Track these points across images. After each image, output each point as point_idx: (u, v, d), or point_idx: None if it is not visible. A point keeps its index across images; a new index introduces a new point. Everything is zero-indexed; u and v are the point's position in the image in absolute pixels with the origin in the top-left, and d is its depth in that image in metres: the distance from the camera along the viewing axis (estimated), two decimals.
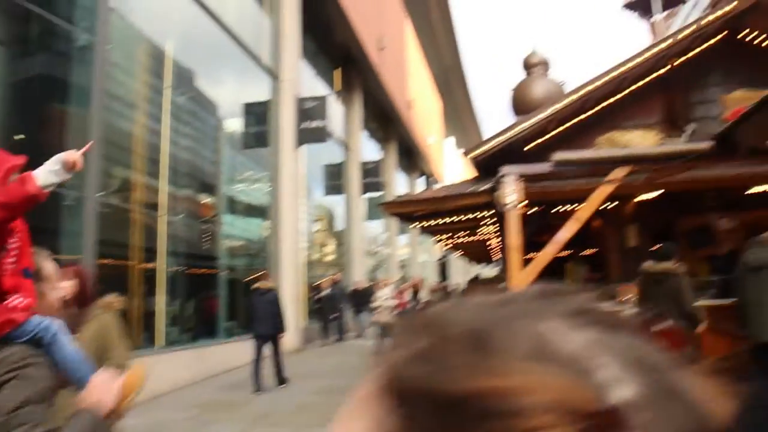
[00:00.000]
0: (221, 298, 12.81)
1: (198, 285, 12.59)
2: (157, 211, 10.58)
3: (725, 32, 9.60)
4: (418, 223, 9.65)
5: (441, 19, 33.84)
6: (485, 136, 9.15)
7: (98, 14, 8.75)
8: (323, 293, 16.52)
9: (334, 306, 16.33)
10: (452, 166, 45.01)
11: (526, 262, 7.73)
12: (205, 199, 13.45)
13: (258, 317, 9.96)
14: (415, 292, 15.53)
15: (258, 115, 14.84)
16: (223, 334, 12.60)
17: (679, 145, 7.18)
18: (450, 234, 12.34)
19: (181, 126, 11.82)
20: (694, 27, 9.18)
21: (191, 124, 12.73)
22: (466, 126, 50.04)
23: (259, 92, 14.97)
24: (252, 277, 14.57)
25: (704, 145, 4.47)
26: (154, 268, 10.32)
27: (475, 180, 9.05)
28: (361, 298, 16.24)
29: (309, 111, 15.61)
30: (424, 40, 34.27)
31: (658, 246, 7.68)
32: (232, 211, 14.68)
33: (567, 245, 10.63)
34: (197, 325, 12.29)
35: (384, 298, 13.13)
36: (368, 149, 25.45)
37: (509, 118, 10.43)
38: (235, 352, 11.31)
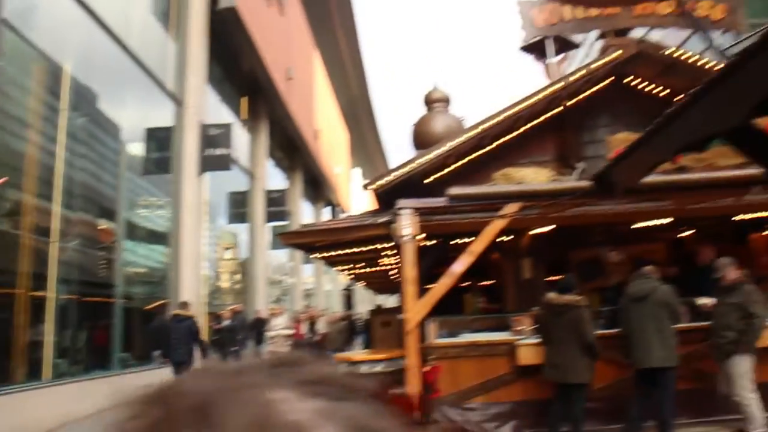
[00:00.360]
0: (116, 327, 12.38)
1: (92, 314, 12.11)
2: (48, 236, 10.18)
3: (612, 77, 10.18)
4: (318, 253, 9.66)
5: (349, 52, 34.29)
6: (392, 167, 9.28)
7: None
8: (224, 323, 16.18)
9: (234, 337, 16.00)
10: (359, 197, 45.29)
11: (426, 293, 7.88)
12: (104, 224, 13.02)
13: (174, 344, 10.19)
14: (312, 323, 15.28)
15: (161, 140, 14.57)
16: (118, 365, 12.15)
17: (564, 182, 7.55)
18: (351, 265, 12.39)
19: (79, 148, 11.43)
20: (584, 71, 9.69)
21: (90, 146, 12.34)
22: (373, 157, 50.58)
23: (163, 117, 14.72)
24: (153, 305, 14.20)
25: (586, 183, 4.73)
26: (43, 296, 9.89)
27: (376, 212, 9.18)
28: (262, 328, 16.02)
29: (213, 138, 15.44)
30: (332, 72, 34.61)
31: (560, 278, 8.01)
32: (132, 237, 14.27)
33: (466, 276, 10.91)
34: (89, 356, 11.79)
35: (279, 327, 12.92)
36: (274, 178, 25.34)
37: (412, 152, 10.65)
38: (130, 384, 10.90)
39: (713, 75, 2.41)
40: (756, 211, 9.12)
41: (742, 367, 7.00)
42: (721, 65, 2.38)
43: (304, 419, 0.41)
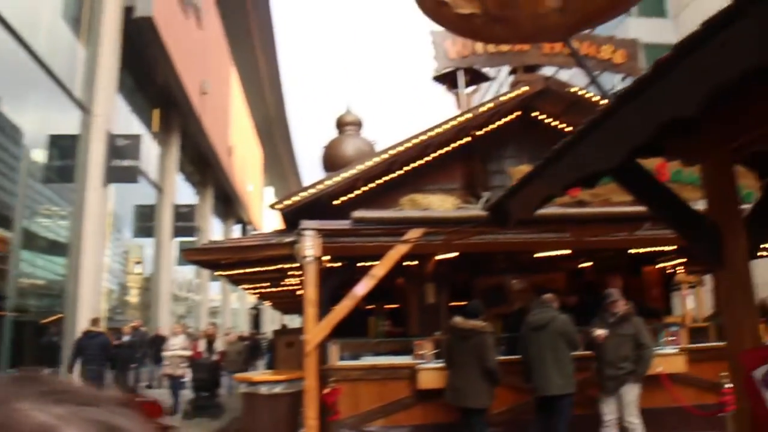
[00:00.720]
0: (4, 342, 11.77)
1: None
2: None
3: (519, 111, 10.57)
4: (222, 271, 9.54)
5: (267, 70, 34.11)
6: (301, 188, 9.28)
7: None
8: (123, 339, 15.63)
9: (134, 354, 15.47)
10: (270, 216, 44.82)
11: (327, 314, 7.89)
12: None
13: (87, 359, 10.55)
14: (210, 342, 14.77)
15: (65, 148, 14.04)
16: None
17: (466, 211, 7.75)
18: (256, 284, 12.28)
19: None
20: (492, 104, 10.03)
21: None
22: (287, 177, 50.29)
23: (69, 125, 14.21)
24: (48, 319, 13.57)
25: (484, 213, 4.89)
26: None
27: (282, 232, 9.17)
28: (161, 346, 15.54)
29: (121, 149, 15.01)
30: (249, 89, 34.33)
31: (465, 303, 8.19)
32: (29, 247, 13.62)
33: (372, 300, 10.99)
34: None
35: (176, 347, 12.54)
36: (183, 193, 24.82)
37: (323, 174, 10.70)
38: None
39: (595, 115, 2.57)
40: (647, 246, 9.63)
41: (632, 394, 7.36)
42: (603, 106, 2.54)
43: (50, 421, 0.43)
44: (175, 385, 12.66)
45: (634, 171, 3.42)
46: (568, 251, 10.03)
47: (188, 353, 12.67)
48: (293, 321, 29.41)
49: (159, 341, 15.97)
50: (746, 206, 3.40)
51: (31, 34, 11.93)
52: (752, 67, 1.59)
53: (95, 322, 11.40)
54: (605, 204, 8.30)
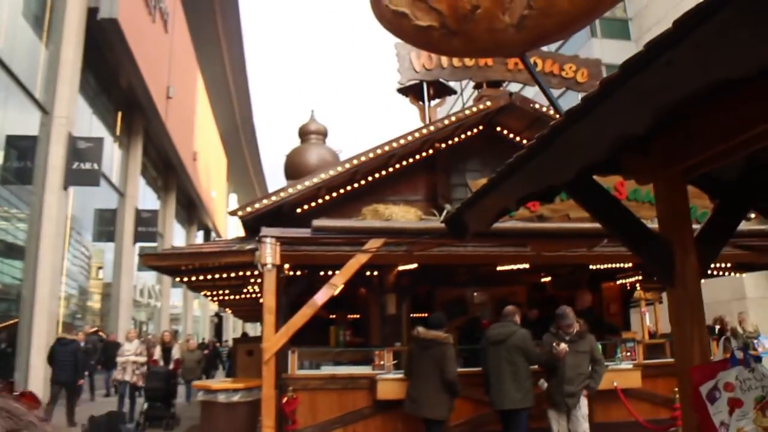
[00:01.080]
0: None
1: None
2: None
3: (482, 126, 10.67)
4: (182, 277, 9.43)
5: (234, 77, 33.94)
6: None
7: None
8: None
9: (87, 361, 15.06)
10: (234, 223, 44.54)
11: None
12: None
13: (59, 365, 10.91)
14: (166, 349, 14.18)
15: (23, 149, 13.76)
16: None
17: (427, 222, 7.79)
18: (216, 291, 12.16)
19: None
20: (455, 118, 10.10)
21: None
22: (252, 184, 50.02)
23: (28, 126, 13.95)
24: (2, 325, 13.24)
25: (441, 225, 4.92)
26: None
27: (244, 239, 9.10)
28: (113, 353, 15.12)
29: (82, 151, 14.77)
30: (215, 95, 34.13)
31: (427, 315, 8.20)
32: None
33: (335, 309, 10.96)
34: None
35: (129, 353, 12.18)
36: (146, 198, 24.50)
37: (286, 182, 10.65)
38: None
39: (547, 131, 2.60)
40: (605, 263, 9.75)
41: (585, 408, 7.43)
42: (555, 122, 2.58)
43: None
44: (127, 392, 12.24)
45: (589, 187, 3.47)
46: (528, 265, 10.11)
47: (143, 359, 12.34)
48: (256, 329, 29.17)
49: (111, 347, 15.63)
50: (697, 226, 3.47)
51: None
52: (691, 91, 1.63)
53: (68, 329, 12.21)
54: (564, 220, 8.40)
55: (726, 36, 1.55)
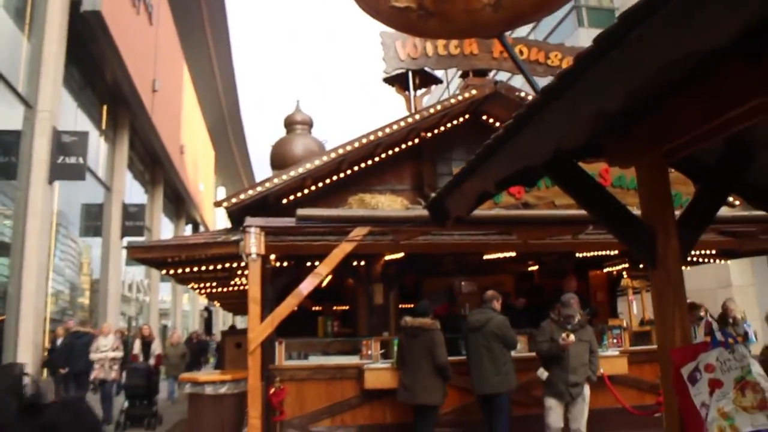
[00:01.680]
0: None
1: None
2: None
3: (468, 115, 10.65)
4: (169, 269, 9.38)
5: (221, 69, 33.73)
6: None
7: None
8: (58, 342, 14.69)
9: (67, 358, 14.42)
10: (222, 216, 44.34)
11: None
12: None
13: (74, 356, 11.56)
14: (146, 343, 13.57)
15: (7, 144, 13.61)
16: None
17: (412, 211, 7.76)
18: (204, 283, 12.12)
19: None
20: (441, 107, 10.09)
21: None
22: (239, 177, 49.85)
23: (10, 120, 13.81)
24: None
25: (424, 212, 4.90)
26: None
27: (230, 230, 9.08)
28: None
29: (67, 145, 14.63)
30: (201, 88, 33.91)
31: (414, 304, 8.24)
32: None
33: (323, 300, 10.95)
34: None
35: (106, 348, 11.72)
36: (133, 192, 24.35)
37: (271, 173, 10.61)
38: None
39: (523, 110, 2.58)
40: (592, 250, 9.77)
41: (588, 396, 7.50)
42: (531, 101, 2.56)
43: None
44: (104, 390, 11.84)
45: (573, 172, 3.46)
46: (515, 254, 10.13)
47: (119, 355, 11.94)
48: (244, 322, 29.06)
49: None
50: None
51: None
52: (665, 64, 1.61)
53: (83, 323, 12.83)
54: (549, 206, 8.41)
55: (702, 6, 1.53)
